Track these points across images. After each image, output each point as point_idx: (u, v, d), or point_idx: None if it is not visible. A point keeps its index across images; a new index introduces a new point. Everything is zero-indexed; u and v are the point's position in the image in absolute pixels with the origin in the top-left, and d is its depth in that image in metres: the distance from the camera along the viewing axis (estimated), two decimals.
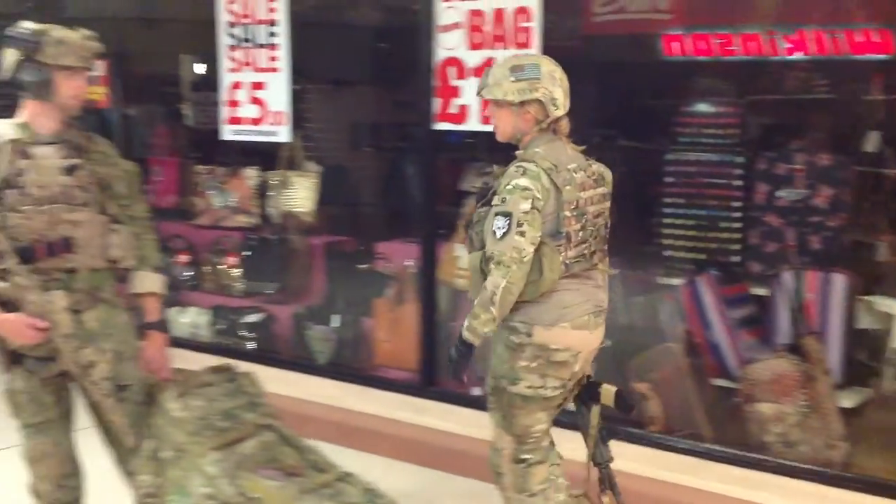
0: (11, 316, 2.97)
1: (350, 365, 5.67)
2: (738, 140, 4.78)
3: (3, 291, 2.98)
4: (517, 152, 3.20)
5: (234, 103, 5.62)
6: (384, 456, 4.69)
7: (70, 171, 3.06)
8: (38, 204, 3.00)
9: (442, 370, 5.31)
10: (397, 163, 6.01)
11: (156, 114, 7.07)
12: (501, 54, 4.59)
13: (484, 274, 3.10)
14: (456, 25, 4.73)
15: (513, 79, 3.12)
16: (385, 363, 5.53)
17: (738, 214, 4.71)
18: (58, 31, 3.03)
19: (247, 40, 5.52)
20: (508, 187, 3.05)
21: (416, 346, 5.20)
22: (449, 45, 4.78)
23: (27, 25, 3.04)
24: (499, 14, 4.60)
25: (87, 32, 3.11)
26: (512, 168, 3.11)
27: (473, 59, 4.67)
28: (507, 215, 3.01)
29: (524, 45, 4.52)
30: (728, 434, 4.48)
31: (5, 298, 2.98)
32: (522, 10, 4.52)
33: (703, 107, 4.89)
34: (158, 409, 3.04)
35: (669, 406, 4.58)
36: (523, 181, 3.04)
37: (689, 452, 4.43)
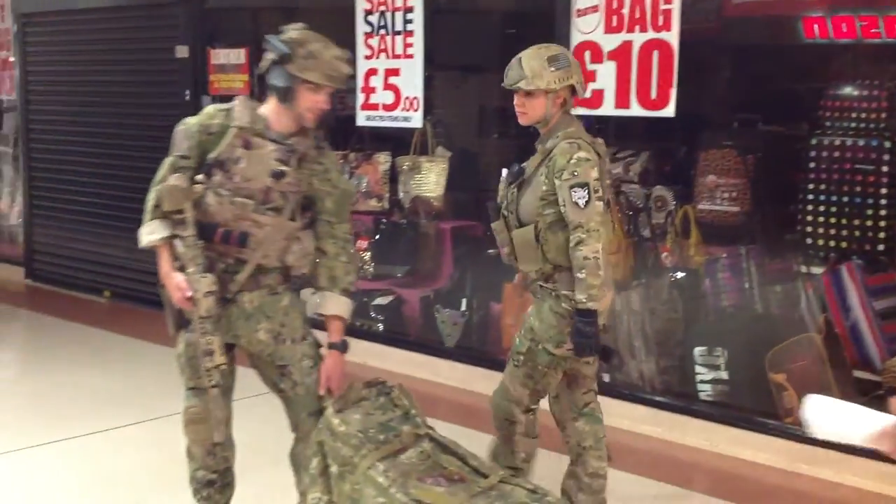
0: (177, 275, 3.11)
1: (478, 348, 5.72)
2: (885, 124, 4.61)
3: (180, 254, 3.11)
4: (567, 132, 3.38)
5: (369, 90, 5.73)
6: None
7: (277, 176, 3.12)
8: (235, 194, 3.09)
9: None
10: (527, 148, 6.01)
11: None
12: (639, 38, 4.56)
13: (540, 246, 3.37)
14: (594, 8, 4.71)
15: (552, 69, 3.38)
16: None
17: (884, 201, 4.53)
18: (313, 45, 3.05)
19: (382, 27, 5.63)
20: (573, 161, 3.29)
21: None
22: (586, 28, 4.76)
23: (290, 32, 3.09)
24: None
25: (340, 53, 3.11)
26: (564, 144, 3.34)
27: (610, 42, 4.64)
28: (585, 185, 3.27)
29: (663, 29, 4.47)
30: None
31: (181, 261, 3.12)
32: None
33: (847, 90, 4.73)
34: (322, 427, 3.08)
35: None
36: (583, 153, 3.31)
37: (827, 445, 4.31)
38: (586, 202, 3.26)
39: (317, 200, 3.23)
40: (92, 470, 4.30)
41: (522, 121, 3.50)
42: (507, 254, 3.55)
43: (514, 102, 3.48)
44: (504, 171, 3.64)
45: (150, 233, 3.15)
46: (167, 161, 3.19)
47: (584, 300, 3.27)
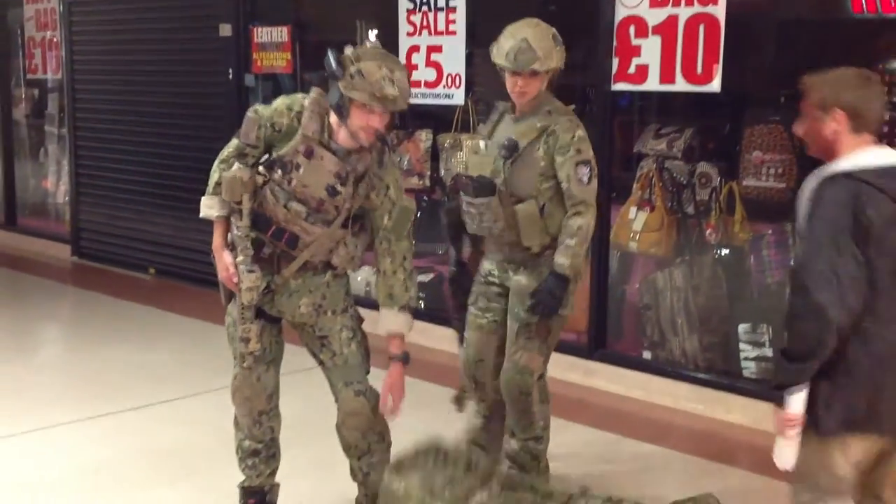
0: (226, 255, 3.17)
1: None
2: None
3: (233, 237, 3.18)
4: (556, 106, 3.52)
5: (411, 67, 5.72)
6: (553, 416, 4.71)
7: (332, 193, 3.12)
8: (290, 198, 3.11)
9: (612, 334, 5.31)
10: None
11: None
12: (685, 12, 4.52)
13: (544, 220, 3.47)
14: None
15: (559, 48, 3.46)
16: None
17: None
18: (365, 63, 2.97)
19: (425, 4, 5.61)
20: (576, 139, 3.44)
21: (586, 308, 5.19)
22: (630, 2, 4.72)
23: (350, 49, 3.04)
24: None
25: (389, 73, 2.97)
26: (566, 122, 3.48)
27: (655, 17, 4.60)
28: (588, 163, 3.44)
29: (709, 2, 4.42)
30: None
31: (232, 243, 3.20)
32: None
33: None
34: (384, 492, 3.08)
35: None
36: (582, 132, 3.48)
37: None
38: (589, 179, 3.43)
39: (375, 216, 3.22)
40: (138, 444, 4.38)
41: (522, 100, 3.51)
42: (501, 228, 3.53)
43: (517, 83, 3.45)
44: (481, 144, 3.65)
45: (209, 207, 3.22)
46: (234, 143, 3.22)
47: (566, 266, 3.42)
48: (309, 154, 3.09)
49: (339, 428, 3.35)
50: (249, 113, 3.20)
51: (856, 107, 2.54)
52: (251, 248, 3.14)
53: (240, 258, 3.13)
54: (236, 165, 3.14)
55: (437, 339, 5.81)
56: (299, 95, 3.21)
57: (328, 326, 3.27)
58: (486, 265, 3.73)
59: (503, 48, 3.46)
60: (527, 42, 3.39)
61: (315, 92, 3.16)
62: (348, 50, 3.05)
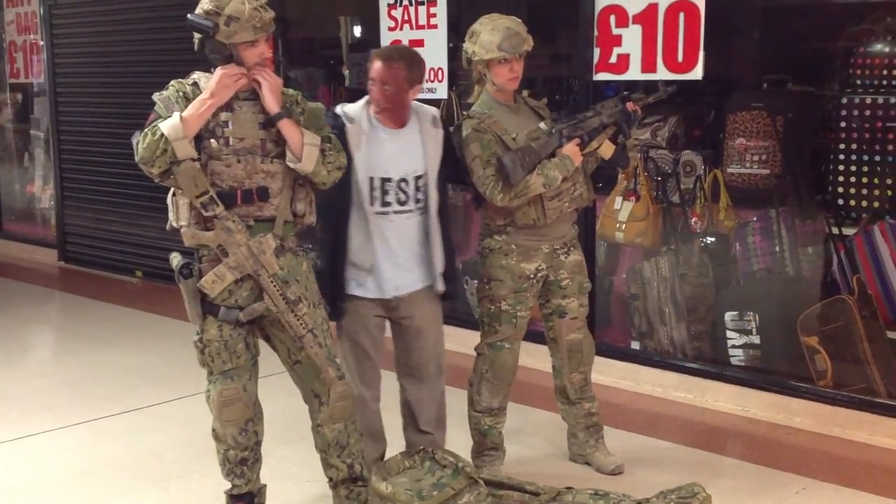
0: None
1: None
2: None
3: (208, 240, 3.14)
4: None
5: None
6: (544, 409, 4.70)
7: (267, 125, 3.17)
8: (236, 154, 3.14)
9: (600, 325, 5.29)
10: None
11: (316, 76, 7.26)
12: (664, 0, 4.50)
13: None
14: None
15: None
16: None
17: None
18: (230, 7, 3.07)
19: None
20: None
21: None
22: None
23: (204, 2, 3.12)
24: None
25: (257, 2, 3.13)
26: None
27: (636, 5, 4.58)
28: None
29: None
30: None
31: (212, 245, 3.15)
32: None
33: (878, 47, 4.65)
34: (372, 495, 3.13)
35: (840, 360, 4.43)
36: None
37: (861, 407, 4.28)
38: None
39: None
40: (126, 447, 4.35)
41: (514, 86, 3.68)
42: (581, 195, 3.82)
43: (511, 69, 3.59)
44: (542, 125, 3.68)
45: (175, 129, 3.05)
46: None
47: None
48: (229, 108, 3.14)
49: (321, 427, 3.33)
50: (157, 98, 3.18)
51: (423, 79, 3.54)
52: (242, 223, 3.14)
53: (243, 239, 3.12)
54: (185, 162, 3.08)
55: None
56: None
57: (310, 321, 3.25)
58: (531, 265, 3.75)
59: (492, 41, 3.55)
60: (512, 29, 3.56)
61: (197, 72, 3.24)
62: (204, 4, 3.11)
